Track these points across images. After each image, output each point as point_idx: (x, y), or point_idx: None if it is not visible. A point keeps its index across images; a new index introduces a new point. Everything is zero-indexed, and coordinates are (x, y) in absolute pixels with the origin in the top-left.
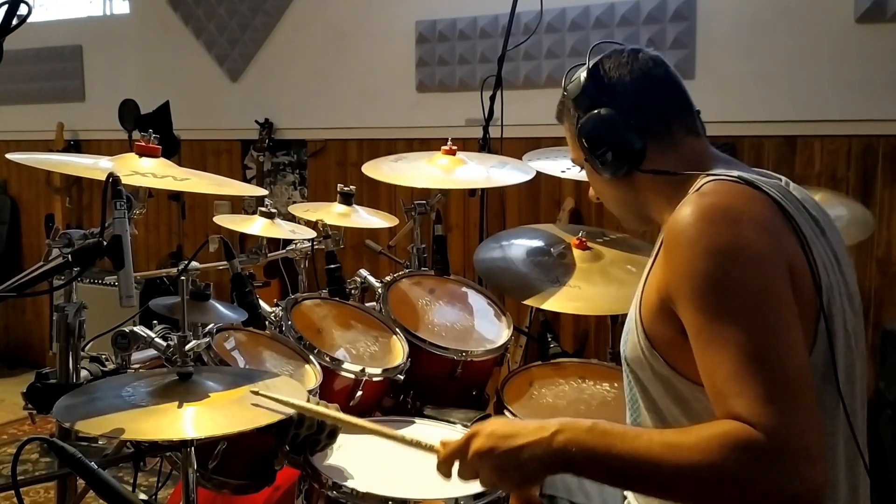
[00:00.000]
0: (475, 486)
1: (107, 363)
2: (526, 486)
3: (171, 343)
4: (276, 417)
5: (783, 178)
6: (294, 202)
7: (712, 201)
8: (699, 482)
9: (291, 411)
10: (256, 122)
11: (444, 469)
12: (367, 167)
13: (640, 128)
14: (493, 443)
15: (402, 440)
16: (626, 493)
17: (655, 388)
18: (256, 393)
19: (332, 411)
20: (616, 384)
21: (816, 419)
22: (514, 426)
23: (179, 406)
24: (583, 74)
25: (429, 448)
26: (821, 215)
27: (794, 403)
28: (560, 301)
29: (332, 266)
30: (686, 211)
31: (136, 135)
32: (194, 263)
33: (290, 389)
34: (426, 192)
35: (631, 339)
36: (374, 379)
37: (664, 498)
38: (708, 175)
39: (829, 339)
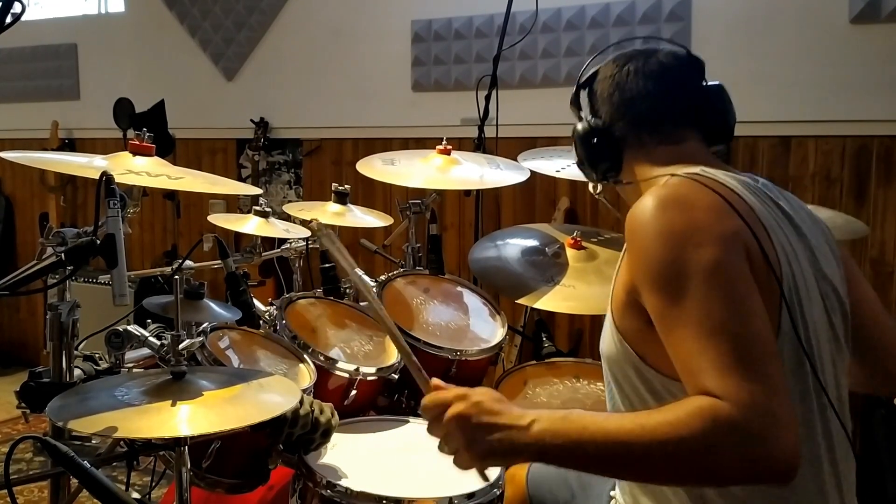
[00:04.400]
0: (469, 486)
1: (100, 362)
2: (488, 462)
3: (165, 342)
4: (269, 416)
5: (759, 177)
6: (289, 201)
7: (666, 192)
8: (671, 456)
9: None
10: (252, 121)
11: (426, 413)
12: (361, 165)
13: (614, 141)
14: (476, 412)
15: (408, 358)
16: (612, 493)
17: (630, 382)
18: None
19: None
20: None
21: (783, 385)
22: (500, 406)
23: (173, 405)
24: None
25: (423, 381)
26: (798, 214)
27: (759, 371)
28: (555, 300)
29: (327, 265)
30: (643, 202)
31: (130, 133)
32: (188, 262)
33: (284, 389)
34: (421, 192)
35: (606, 335)
36: (369, 378)
37: (639, 478)
38: (670, 174)
39: (794, 326)
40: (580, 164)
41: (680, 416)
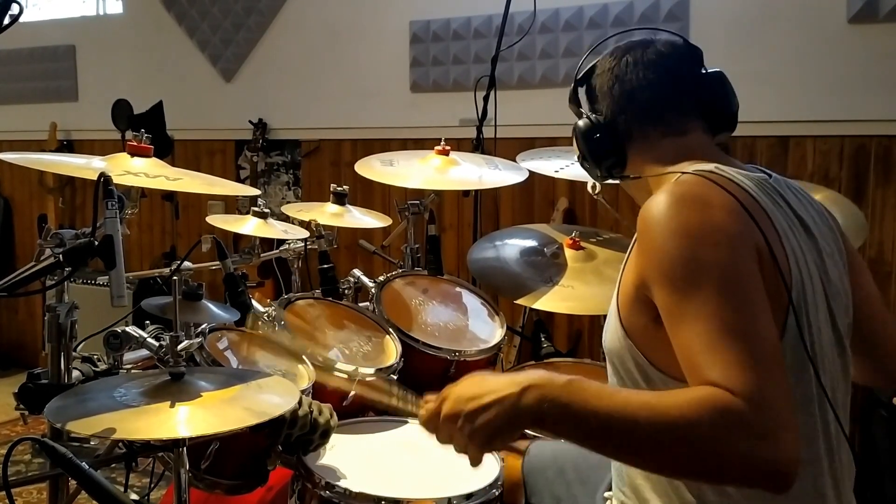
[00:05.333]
0: (467, 486)
1: (99, 363)
2: (496, 444)
3: (164, 343)
4: (268, 417)
5: (772, 173)
6: (288, 202)
7: (683, 189)
8: (675, 441)
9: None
10: (250, 122)
11: (427, 429)
12: (359, 166)
13: (617, 136)
14: (461, 406)
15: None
16: (606, 493)
17: (633, 378)
18: None
19: None
20: None
21: (787, 392)
22: (483, 385)
23: (172, 406)
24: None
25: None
26: (809, 213)
27: (767, 373)
28: (553, 301)
29: (326, 266)
30: (658, 198)
31: (129, 135)
32: (187, 263)
33: (283, 390)
34: (420, 193)
35: (610, 330)
36: (367, 379)
37: (638, 460)
38: (684, 171)
39: (800, 332)
40: (583, 162)
41: (690, 402)
